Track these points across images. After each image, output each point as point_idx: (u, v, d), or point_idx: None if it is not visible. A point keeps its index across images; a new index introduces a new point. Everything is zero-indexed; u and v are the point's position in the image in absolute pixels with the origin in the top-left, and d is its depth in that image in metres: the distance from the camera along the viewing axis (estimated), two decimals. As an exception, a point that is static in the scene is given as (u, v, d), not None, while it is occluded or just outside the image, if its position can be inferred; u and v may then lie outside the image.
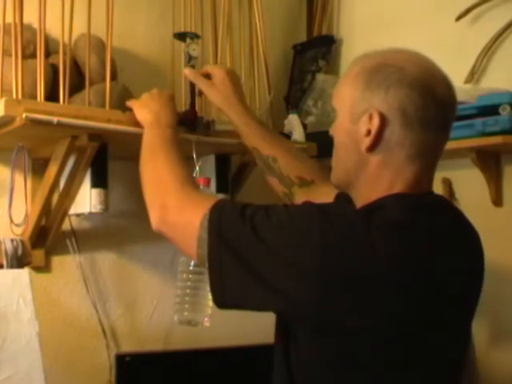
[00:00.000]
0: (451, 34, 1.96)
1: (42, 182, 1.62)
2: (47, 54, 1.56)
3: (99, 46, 1.62)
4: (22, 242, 1.63)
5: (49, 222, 1.70)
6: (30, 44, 1.52)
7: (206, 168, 1.77)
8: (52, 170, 1.57)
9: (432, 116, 1.07)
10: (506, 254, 1.80)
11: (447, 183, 1.91)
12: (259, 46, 1.93)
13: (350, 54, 2.21)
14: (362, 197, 1.12)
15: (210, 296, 1.11)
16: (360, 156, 1.10)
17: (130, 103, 1.53)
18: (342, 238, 1.02)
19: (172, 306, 1.54)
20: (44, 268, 1.73)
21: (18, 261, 1.61)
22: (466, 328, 1.18)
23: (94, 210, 1.63)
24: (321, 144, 1.88)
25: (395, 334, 1.03)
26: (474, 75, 1.90)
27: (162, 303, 1.92)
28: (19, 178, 1.60)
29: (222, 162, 1.84)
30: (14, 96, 1.44)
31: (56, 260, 1.76)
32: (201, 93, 1.56)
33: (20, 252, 1.61)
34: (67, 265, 1.78)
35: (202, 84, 1.53)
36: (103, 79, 1.58)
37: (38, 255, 1.70)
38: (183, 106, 1.66)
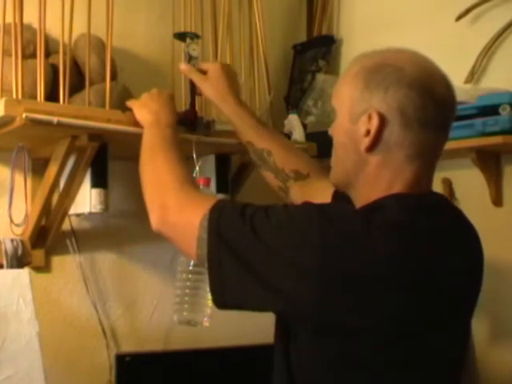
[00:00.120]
0: (451, 34, 1.96)
1: (42, 182, 1.62)
2: (47, 54, 1.56)
3: (99, 46, 1.62)
4: (22, 241, 1.63)
5: (49, 222, 1.70)
6: (30, 44, 1.52)
7: (206, 168, 1.77)
8: (52, 170, 1.57)
9: (431, 116, 1.07)
10: (506, 254, 1.80)
11: (447, 183, 1.91)
12: (259, 46, 1.93)
13: (350, 54, 2.20)
14: (362, 197, 1.12)
15: (209, 296, 1.11)
16: (359, 156, 1.10)
17: (129, 103, 1.53)
18: (343, 238, 1.02)
19: (172, 306, 1.54)
20: (44, 268, 1.73)
21: (18, 261, 1.61)
22: (466, 328, 1.18)
23: (94, 210, 1.63)
24: (321, 144, 1.88)
25: (395, 333, 1.03)
26: (474, 75, 1.90)
27: (162, 303, 1.91)
28: (19, 178, 1.60)
29: (222, 162, 1.84)
30: (14, 96, 1.44)
31: (56, 260, 1.76)
32: (201, 92, 1.57)
33: (20, 252, 1.61)
34: (67, 265, 1.78)
35: (196, 78, 1.54)
36: (103, 79, 1.58)
37: (38, 255, 1.70)
38: (183, 105, 1.67)
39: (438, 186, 1.79)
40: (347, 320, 1.01)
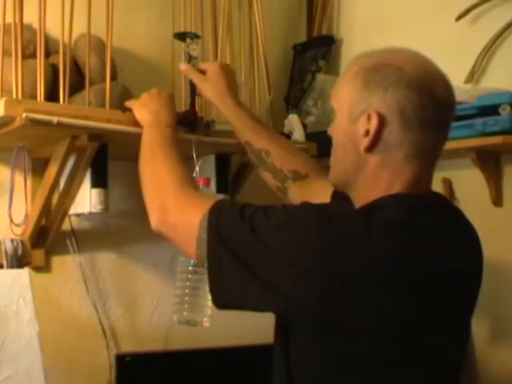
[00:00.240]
0: (451, 34, 1.96)
1: (42, 181, 1.62)
2: (47, 54, 1.56)
3: (99, 46, 1.63)
4: (22, 241, 1.63)
5: (49, 222, 1.70)
6: (30, 44, 1.52)
7: (206, 168, 1.77)
8: (52, 170, 1.57)
9: (430, 116, 1.07)
10: (506, 254, 1.80)
11: (447, 183, 1.91)
12: (259, 46, 1.93)
13: (350, 54, 2.20)
14: (361, 197, 1.12)
15: (209, 296, 1.10)
16: (358, 156, 1.10)
17: (129, 103, 1.53)
18: (342, 238, 1.02)
19: (172, 306, 1.54)
20: (44, 268, 1.73)
21: (18, 261, 1.61)
22: (466, 328, 1.18)
23: (94, 210, 1.63)
24: (321, 144, 1.88)
25: (395, 334, 1.03)
26: (474, 75, 1.90)
27: (162, 303, 1.92)
28: (19, 178, 1.60)
29: (222, 162, 1.84)
30: (14, 96, 1.44)
31: (56, 260, 1.76)
32: (200, 93, 1.57)
33: (20, 252, 1.61)
34: (67, 265, 1.78)
35: (195, 78, 1.54)
36: (103, 79, 1.58)
37: (38, 255, 1.70)
38: (183, 105, 1.67)
39: (438, 186, 1.79)
40: (346, 320, 1.01)
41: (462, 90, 1.67)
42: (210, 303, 1.43)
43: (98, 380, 1.79)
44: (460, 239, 1.10)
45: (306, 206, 1.12)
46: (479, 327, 1.80)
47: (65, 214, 1.70)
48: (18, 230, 1.64)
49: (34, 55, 1.50)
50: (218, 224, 1.07)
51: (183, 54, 1.61)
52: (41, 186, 1.62)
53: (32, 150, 1.59)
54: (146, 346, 1.89)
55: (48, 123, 1.42)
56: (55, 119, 1.43)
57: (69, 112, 1.47)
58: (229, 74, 1.54)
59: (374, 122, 1.07)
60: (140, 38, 1.94)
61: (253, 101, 1.90)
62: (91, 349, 1.80)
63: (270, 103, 1.94)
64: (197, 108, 1.63)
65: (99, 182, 1.64)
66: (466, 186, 1.91)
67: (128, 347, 1.85)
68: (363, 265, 1.00)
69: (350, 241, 1.01)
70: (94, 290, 1.81)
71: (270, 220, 1.05)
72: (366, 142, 1.08)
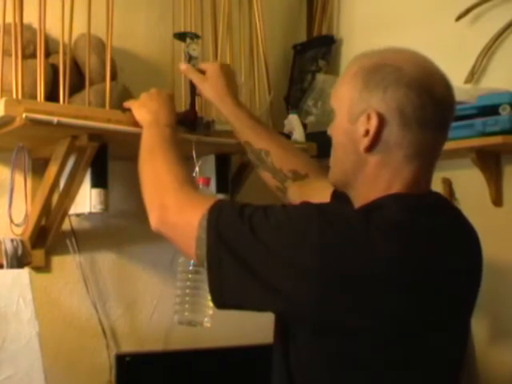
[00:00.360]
0: (451, 34, 1.96)
1: (42, 182, 1.62)
2: (47, 54, 1.56)
3: (99, 46, 1.63)
4: (22, 241, 1.63)
5: (49, 222, 1.70)
6: (30, 44, 1.52)
7: (205, 168, 1.77)
8: (52, 170, 1.57)
9: (430, 116, 1.07)
10: (506, 254, 1.80)
11: (447, 183, 1.91)
12: (259, 46, 1.93)
13: (349, 54, 2.20)
14: (361, 197, 1.12)
15: (209, 296, 1.10)
16: (358, 156, 1.10)
17: (128, 103, 1.53)
18: (342, 238, 1.02)
19: (172, 306, 1.54)
20: (44, 268, 1.73)
21: (18, 261, 1.61)
22: (466, 328, 1.18)
23: (94, 210, 1.63)
24: (321, 144, 1.88)
25: (395, 334, 1.03)
26: (474, 75, 1.90)
27: (162, 303, 1.92)
28: (19, 178, 1.60)
29: (222, 162, 1.84)
30: (14, 96, 1.44)
31: (56, 260, 1.76)
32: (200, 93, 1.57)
33: (20, 252, 1.61)
34: (67, 265, 1.78)
35: (194, 78, 1.54)
36: (103, 79, 1.58)
37: (38, 255, 1.70)
38: (183, 105, 1.67)
39: (438, 186, 1.79)
40: (346, 320, 1.01)
41: (462, 90, 1.67)
42: (210, 303, 1.42)
43: (98, 380, 1.79)
44: (460, 239, 1.10)
45: (306, 205, 1.11)
46: (479, 327, 1.80)
47: (65, 214, 1.70)
48: (18, 230, 1.64)
49: (34, 55, 1.50)
50: (217, 224, 1.07)
51: (183, 53, 1.61)
52: (41, 186, 1.62)
53: (32, 149, 1.59)
54: (146, 346, 1.89)
55: (48, 123, 1.42)
56: (55, 119, 1.43)
57: (69, 112, 1.47)
58: (229, 74, 1.54)
59: (374, 121, 1.07)
60: (140, 38, 1.94)
61: (253, 101, 1.90)
62: (91, 349, 1.80)
63: (270, 103, 1.94)
64: (197, 108, 1.63)
65: (99, 181, 1.64)
66: (466, 186, 1.91)
67: (128, 347, 1.85)
68: (363, 265, 1.00)
69: (349, 241, 1.01)
70: (94, 290, 1.81)
71: (270, 220, 1.05)
72: (365, 141, 1.08)
